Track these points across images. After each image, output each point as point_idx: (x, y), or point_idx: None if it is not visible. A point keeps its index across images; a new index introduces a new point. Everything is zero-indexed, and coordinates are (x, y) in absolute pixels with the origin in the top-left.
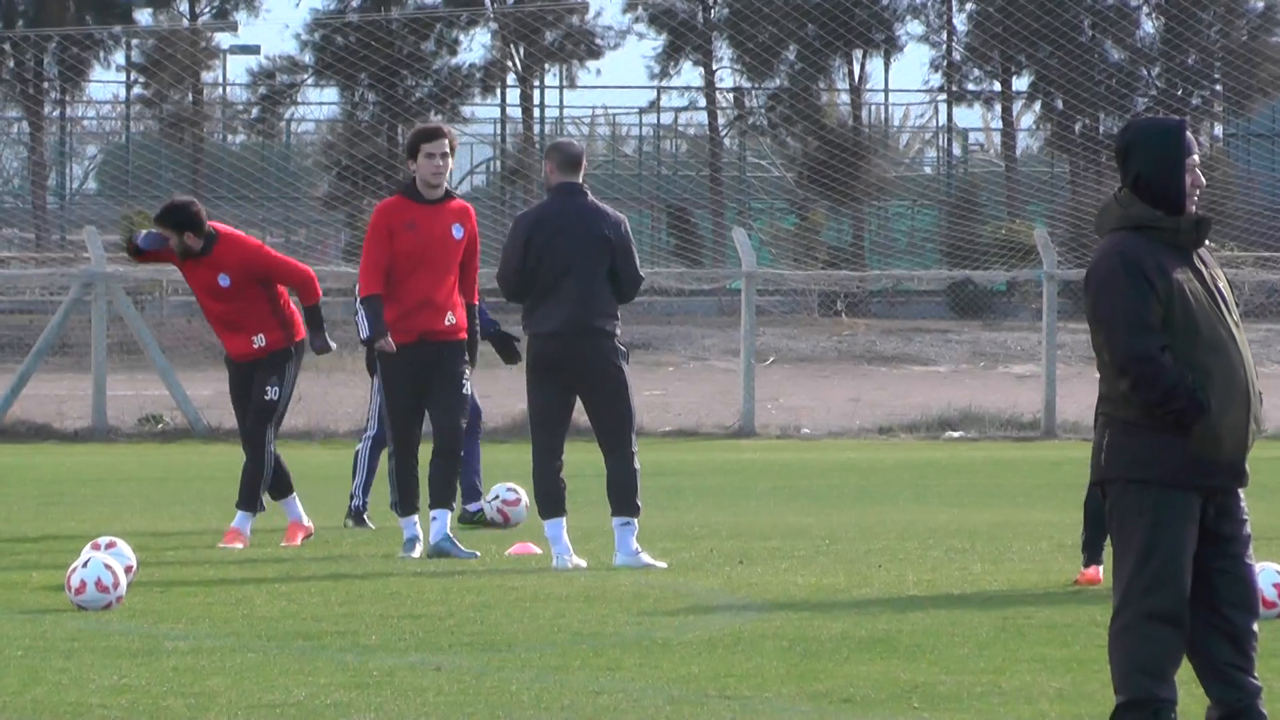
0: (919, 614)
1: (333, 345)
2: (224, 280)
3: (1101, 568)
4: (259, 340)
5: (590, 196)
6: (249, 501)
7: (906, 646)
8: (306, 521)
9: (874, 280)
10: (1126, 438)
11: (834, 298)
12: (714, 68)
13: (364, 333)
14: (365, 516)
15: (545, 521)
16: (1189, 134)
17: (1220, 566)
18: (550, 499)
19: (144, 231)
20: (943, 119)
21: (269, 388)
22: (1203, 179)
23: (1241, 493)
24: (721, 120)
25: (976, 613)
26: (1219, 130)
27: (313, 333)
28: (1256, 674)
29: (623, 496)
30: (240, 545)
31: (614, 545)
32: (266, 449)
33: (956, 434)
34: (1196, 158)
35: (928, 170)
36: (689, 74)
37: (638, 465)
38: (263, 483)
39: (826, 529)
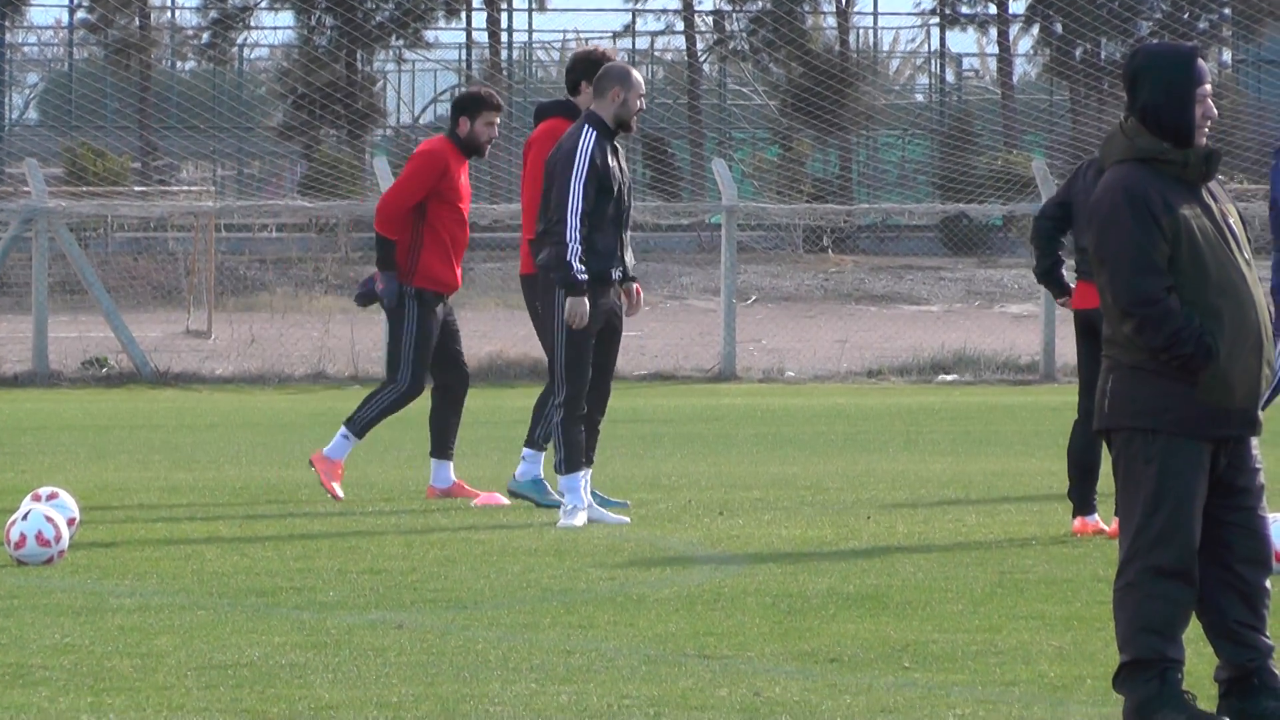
0: (910, 568)
1: None
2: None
3: (1097, 516)
4: None
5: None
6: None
7: (897, 603)
8: None
9: (862, 214)
10: (1132, 384)
11: (820, 233)
12: None
13: None
14: None
15: (574, 474)
16: (1201, 62)
17: (1232, 520)
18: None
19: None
20: (935, 44)
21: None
22: (1214, 110)
23: (1254, 441)
24: (700, 45)
25: (971, 567)
26: (1227, 56)
27: None
28: (1269, 633)
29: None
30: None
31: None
32: None
33: (950, 377)
34: (1208, 88)
35: (919, 98)
36: None
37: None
38: None
39: (812, 479)
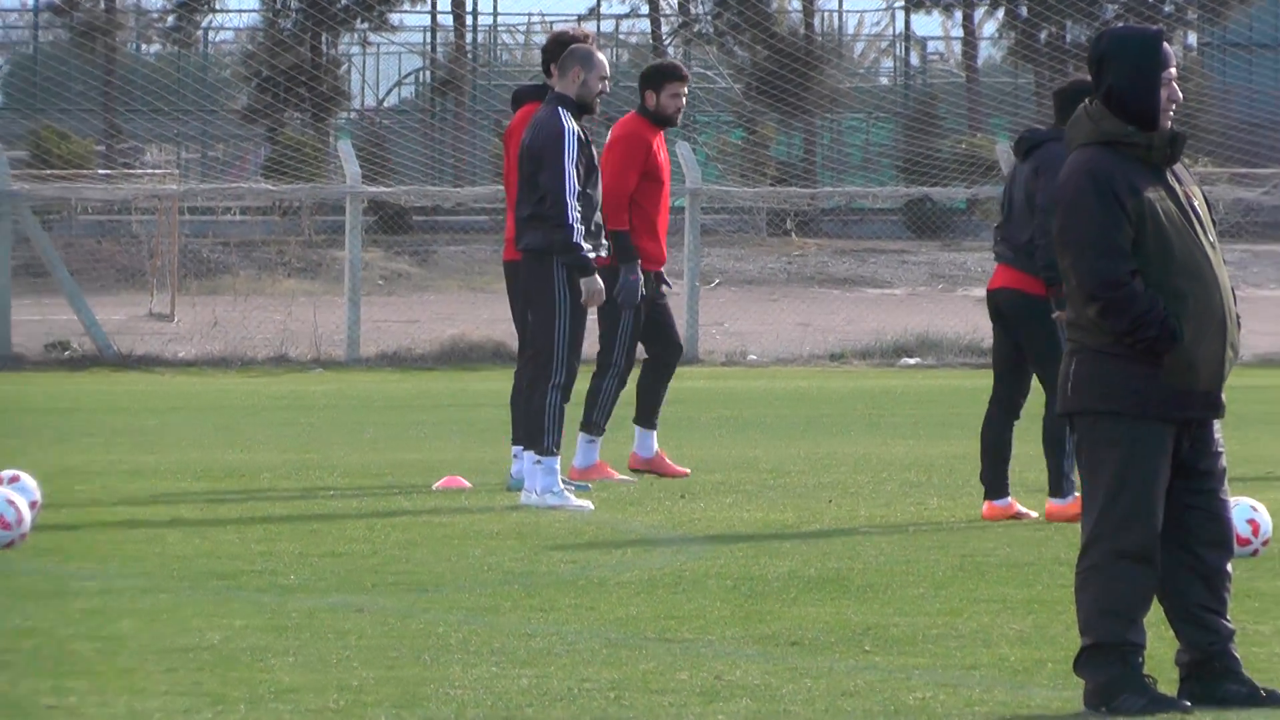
0: (871, 552)
1: None
2: None
3: (1010, 499)
4: None
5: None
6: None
7: (858, 586)
8: None
9: (826, 198)
10: (1096, 367)
11: (783, 216)
12: None
13: None
14: None
15: (557, 457)
16: (1167, 45)
17: (1194, 503)
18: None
19: None
20: (900, 27)
21: None
22: (1179, 93)
23: (1217, 424)
24: (665, 28)
25: (932, 551)
26: (1193, 39)
27: None
28: (1230, 616)
29: None
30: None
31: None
32: None
33: (913, 361)
34: (1174, 71)
35: (884, 81)
36: None
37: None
38: None
39: (774, 461)
